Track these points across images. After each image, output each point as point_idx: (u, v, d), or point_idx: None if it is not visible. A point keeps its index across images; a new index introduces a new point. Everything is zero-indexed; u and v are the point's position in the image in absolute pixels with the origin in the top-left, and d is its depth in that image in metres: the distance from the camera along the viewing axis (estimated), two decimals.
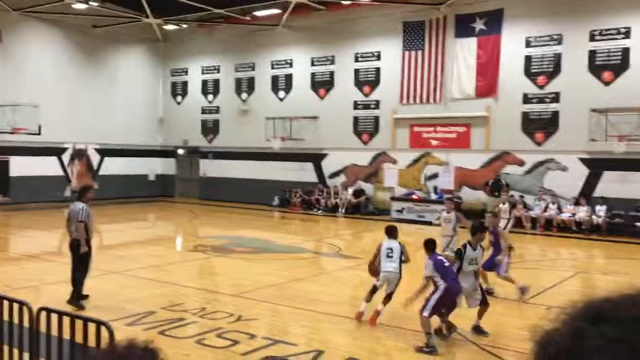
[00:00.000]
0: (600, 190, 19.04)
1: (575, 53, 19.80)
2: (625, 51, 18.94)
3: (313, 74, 25.89)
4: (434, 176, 22.73)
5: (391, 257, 8.45)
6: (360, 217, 22.97)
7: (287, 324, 8.55)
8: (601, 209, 18.74)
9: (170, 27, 28.38)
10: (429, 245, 7.97)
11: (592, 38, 19.52)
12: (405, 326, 8.07)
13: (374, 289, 8.53)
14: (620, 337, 0.79)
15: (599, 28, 19.36)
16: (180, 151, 30.53)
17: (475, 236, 8.19)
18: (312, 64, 25.89)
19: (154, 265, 12.89)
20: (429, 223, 20.71)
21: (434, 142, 22.92)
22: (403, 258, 8.53)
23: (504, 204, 14.01)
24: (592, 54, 19.52)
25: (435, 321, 7.62)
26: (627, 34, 18.92)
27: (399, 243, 8.66)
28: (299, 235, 19.31)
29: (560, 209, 19.64)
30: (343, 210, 23.83)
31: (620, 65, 19.03)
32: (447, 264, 7.79)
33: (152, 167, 30.46)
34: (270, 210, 25.28)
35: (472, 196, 21.38)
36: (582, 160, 19.64)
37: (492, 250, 10.06)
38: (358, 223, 22.01)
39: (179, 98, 30.67)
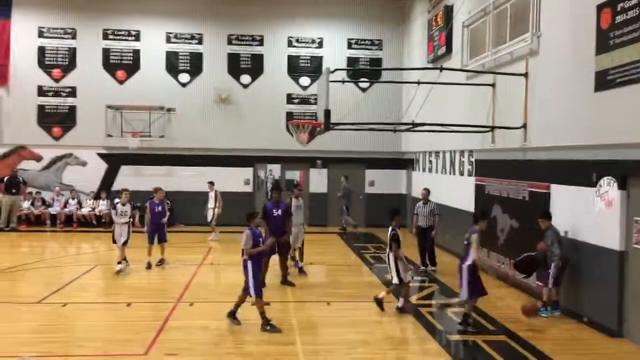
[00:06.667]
0: (118, 184, 19.90)
1: (90, 49, 20.08)
2: (136, 53, 20.26)
3: None
4: None
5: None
6: None
7: None
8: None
9: None
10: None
11: (105, 36, 20.15)
12: None
13: None
14: None
15: (112, 28, 20.14)
16: None
17: None
18: None
19: None
20: None
21: None
22: None
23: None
24: (106, 52, 20.16)
25: None
26: (137, 36, 20.25)
27: None
28: None
29: (80, 204, 19.67)
30: None
31: (132, 65, 20.24)
32: None
33: None
34: None
35: None
36: (101, 155, 20.14)
37: None
38: None
39: None
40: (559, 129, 9.82)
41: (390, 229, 9.65)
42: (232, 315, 8.74)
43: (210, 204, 17.06)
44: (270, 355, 7.50)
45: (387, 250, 9.73)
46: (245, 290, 8.52)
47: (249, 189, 20.49)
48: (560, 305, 9.41)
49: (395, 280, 9.63)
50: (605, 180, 8.57)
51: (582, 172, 9.12)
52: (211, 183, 17.28)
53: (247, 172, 20.53)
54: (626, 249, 8.20)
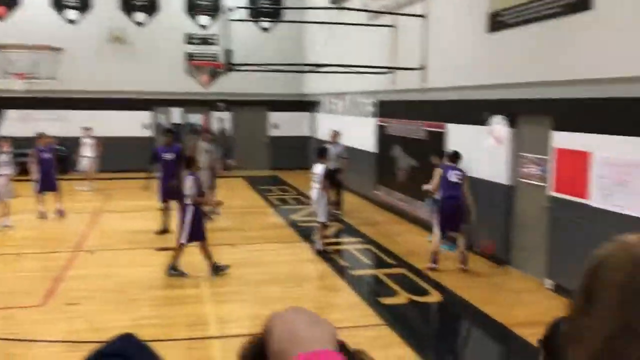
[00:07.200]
0: (4, 130, 18.51)
1: None
2: None
3: None
4: None
5: None
6: None
7: None
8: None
9: None
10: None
11: None
12: None
13: None
14: None
15: None
16: None
17: None
18: None
19: None
20: None
21: None
22: None
23: None
24: None
25: None
26: None
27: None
28: None
29: None
30: None
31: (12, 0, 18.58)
32: None
33: None
34: None
35: None
36: None
37: None
38: None
39: None
40: (455, 70, 10.16)
41: (319, 166, 9.73)
42: (216, 269, 8.36)
43: (87, 152, 15.64)
44: (176, 299, 7.47)
45: (318, 187, 9.70)
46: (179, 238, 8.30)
47: (148, 133, 19.75)
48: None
49: (322, 219, 9.72)
50: (496, 119, 9.02)
51: (475, 112, 9.54)
52: (87, 128, 15.88)
53: (146, 116, 19.76)
54: (514, 183, 8.77)
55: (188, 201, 8.20)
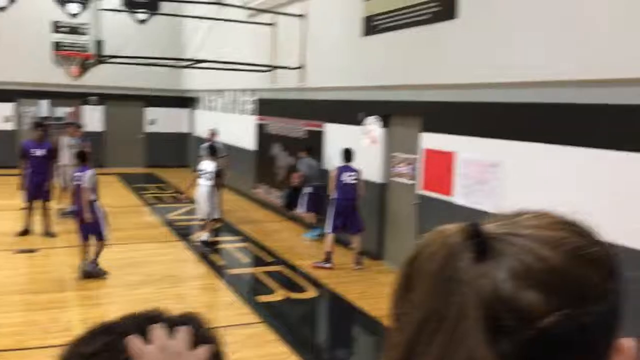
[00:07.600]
0: None
1: None
2: None
3: None
4: None
5: None
6: None
7: None
8: None
9: None
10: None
11: None
12: None
13: None
14: None
15: None
16: None
17: None
18: None
19: None
20: None
21: None
22: None
23: None
24: None
25: None
26: None
27: None
28: None
29: None
30: None
31: None
32: None
33: None
34: None
35: None
36: None
37: None
38: None
39: None
40: (332, 71, 10.41)
41: (209, 163, 9.78)
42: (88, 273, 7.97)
43: None
44: (40, 304, 6.99)
45: (208, 184, 9.68)
46: (98, 235, 7.93)
47: (10, 126, 18.29)
48: (321, 229, 9.97)
49: (216, 215, 9.89)
50: (370, 119, 9.37)
51: (351, 112, 9.84)
52: None
53: (8, 108, 18.28)
54: (386, 181, 9.16)
55: (94, 197, 7.85)
